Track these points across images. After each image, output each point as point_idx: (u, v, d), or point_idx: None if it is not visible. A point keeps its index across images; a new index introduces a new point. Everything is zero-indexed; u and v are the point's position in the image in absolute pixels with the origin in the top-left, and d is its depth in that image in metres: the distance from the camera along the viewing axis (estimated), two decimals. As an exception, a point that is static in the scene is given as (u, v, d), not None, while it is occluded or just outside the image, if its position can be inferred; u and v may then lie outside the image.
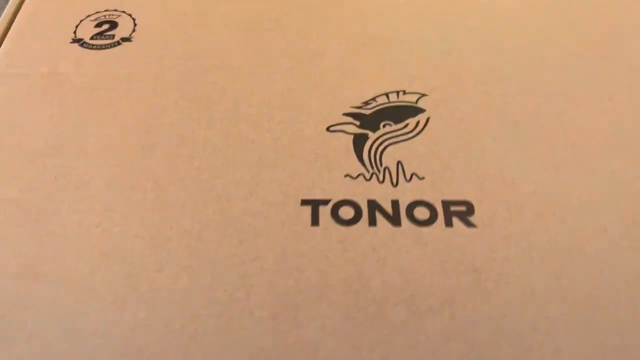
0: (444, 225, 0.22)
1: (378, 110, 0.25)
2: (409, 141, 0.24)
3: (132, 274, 0.20)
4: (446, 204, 0.22)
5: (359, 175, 0.23)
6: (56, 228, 0.21)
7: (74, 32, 0.28)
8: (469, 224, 0.22)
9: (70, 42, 0.28)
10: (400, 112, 0.25)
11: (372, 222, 0.22)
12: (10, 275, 0.20)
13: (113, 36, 0.28)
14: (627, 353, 0.19)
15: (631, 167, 0.23)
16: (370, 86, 0.26)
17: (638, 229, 0.21)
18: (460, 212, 0.22)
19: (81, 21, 0.29)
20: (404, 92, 0.26)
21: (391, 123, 0.25)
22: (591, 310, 0.19)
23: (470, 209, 0.22)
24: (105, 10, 0.29)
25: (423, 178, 0.23)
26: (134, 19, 0.29)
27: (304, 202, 0.22)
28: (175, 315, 0.19)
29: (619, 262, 0.21)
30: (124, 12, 0.29)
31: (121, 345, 0.19)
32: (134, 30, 0.29)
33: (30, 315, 0.19)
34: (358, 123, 0.25)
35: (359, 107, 0.25)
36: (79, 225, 0.21)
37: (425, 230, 0.22)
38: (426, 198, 0.22)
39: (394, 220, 0.22)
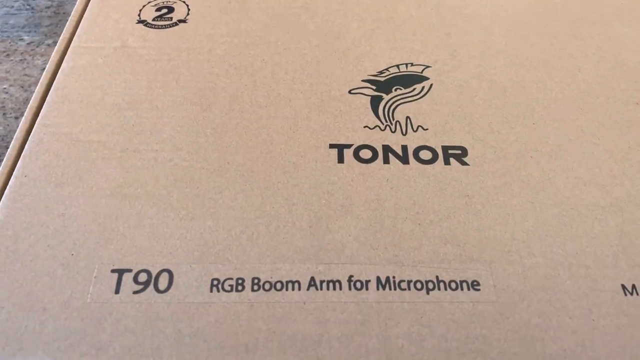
0: (443, 164, 0.27)
1: (390, 77, 0.31)
2: (416, 101, 0.30)
3: (200, 194, 0.26)
4: (445, 148, 0.28)
5: (375, 126, 0.29)
6: (137, 162, 0.27)
7: (139, 15, 0.34)
8: (463, 163, 0.27)
9: (136, 23, 0.34)
10: (409, 79, 0.31)
11: (386, 161, 0.27)
12: (104, 194, 0.26)
13: (171, 18, 0.34)
14: (585, 257, 0.24)
15: (594, 123, 0.29)
16: (384, 59, 0.32)
17: (596, 167, 0.27)
18: (456, 154, 0.28)
19: (144, 6, 0.35)
20: (412, 64, 0.32)
21: (401, 88, 0.31)
22: (557, 226, 0.25)
23: (464, 152, 0.28)
24: (163, -2, 0.35)
25: (427, 129, 0.29)
26: (187, 5, 0.35)
27: (332, 146, 0.28)
28: (235, 223, 0.25)
29: (581, 192, 0.26)
30: (178, -1, 0.35)
31: (193, 244, 0.24)
32: (188, 14, 0.34)
33: (122, 223, 0.25)
34: (374, 87, 0.31)
35: (375, 75, 0.31)
36: (155, 160, 0.27)
37: (428, 167, 0.27)
38: (429, 144, 0.28)
39: (403, 159, 0.27)
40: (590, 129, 0.29)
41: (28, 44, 0.42)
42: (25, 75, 0.40)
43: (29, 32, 0.43)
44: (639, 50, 0.33)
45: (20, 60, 0.41)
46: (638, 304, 0.23)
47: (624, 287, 0.23)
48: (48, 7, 0.45)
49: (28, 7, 0.45)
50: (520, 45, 0.33)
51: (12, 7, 0.45)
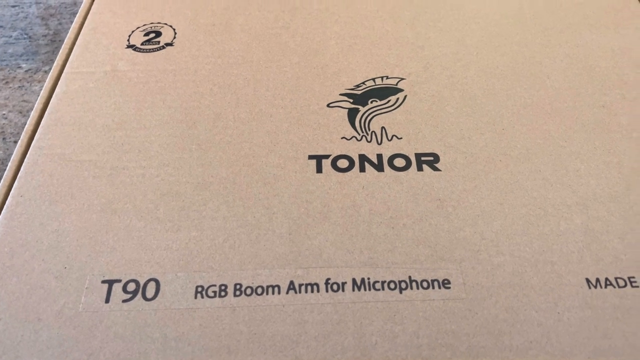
0: (416, 170, 0.29)
1: (367, 90, 0.33)
2: (391, 112, 0.31)
3: (185, 207, 0.27)
4: (418, 155, 0.29)
5: (352, 137, 0.30)
6: (125, 178, 0.29)
7: (128, 40, 0.36)
8: (435, 169, 0.29)
9: (125, 48, 0.36)
10: (384, 92, 0.33)
11: (362, 169, 0.29)
12: (95, 210, 0.27)
13: (159, 42, 0.36)
14: (551, 253, 0.25)
15: (561, 126, 0.30)
16: (361, 73, 0.34)
17: (563, 168, 0.28)
18: (428, 160, 0.29)
19: (133, 32, 0.37)
20: (387, 77, 0.33)
21: (377, 100, 0.32)
22: (525, 225, 0.26)
23: (436, 158, 0.29)
24: (151, 23, 0.37)
25: (401, 138, 0.30)
26: (174, 29, 0.37)
27: (311, 157, 0.29)
28: (218, 233, 0.26)
29: (548, 192, 0.27)
30: (166, 24, 0.37)
31: (178, 254, 0.26)
32: (174, 38, 0.36)
33: (112, 236, 0.26)
34: (351, 100, 0.32)
35: (352, 89, 0.33)
36: (143, 176, 0.29)
37: (402, 174, 0.29)
38: (403, 152, 0.29)
39: (379, 167, 0.29)
40: (557, 132, 0.30)
41: (26, 71, 0.44)
42: (24, 101, 0.42)
43: (27, 60, 0.45)
44: (606, 56, 0.34)
45: (19, 87, 0.43)
46: (601, 296, 0.24)
47: (588, 280, 0.24)
48: (45, 36, 0.47)
49: (26, 36, 0.47)
50: (491, 55, 0.34)
51: (11, 36, 0.47)
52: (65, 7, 0.50)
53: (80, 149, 0.30)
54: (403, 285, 0.24)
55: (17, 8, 0.50)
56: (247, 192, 0.28)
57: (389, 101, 0.32)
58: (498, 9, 0.38)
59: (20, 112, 0.41)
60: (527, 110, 0.31)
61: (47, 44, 0.47)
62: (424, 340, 0.23)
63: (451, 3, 0.38)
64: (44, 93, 0.33)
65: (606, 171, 0.28)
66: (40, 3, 0.50)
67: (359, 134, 0.30)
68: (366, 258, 0.25)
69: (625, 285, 0.24)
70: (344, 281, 0.25)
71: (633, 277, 0.24)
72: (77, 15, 0.38)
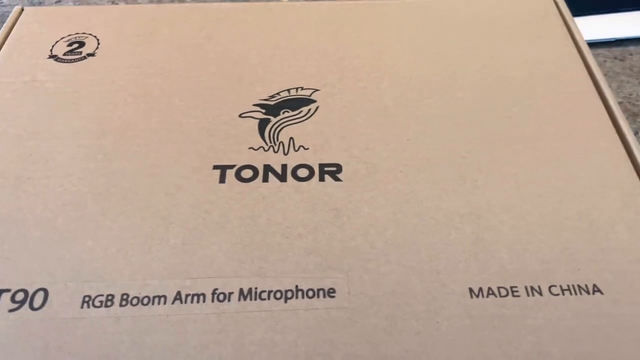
0: (318, 180, 0.29)
1: (280, 101, 0.33)
2: (301, 123, 0.32)
3: (83, 217, 0.27)
4: (322, 166, 0.30)
5: (259, 147, 0.31)
6: (29, 188, 0.29)
7: (50, 50, 0.36)
8: (337, 179, 0.29)
9: (47, 58, 0.36)
10: (297, 102, 0.33)
11: (265, 179, 0.29)
12: (-6, 220, 0.27)
13: (81, 52, 0.36)
14: (437, 262, 0.26)
15: (466, 137, 0.31)
16: (277, 84, 0.34)
17: (461, 179, 0.29)
18: (331, 171, 0.29)
19: (57, 42, 0.37)
20: (302, 88, 0.34)
21: (289, 110, 0.32)
22: (415, 235, 0.27)
23: (339, 168, 0.29)
24: (76, 34, 0.38)
25: (308, 148, 0.30)
26: (98, 40, 0.37)
27: (215, 167, 0.30)
28: (112, 243, 0.26)
29: (442, 202, 0.28)
30: (90, 34, 0.37)
31: (70, 264, 0.26)
32: (97, 48, 0.36)
33: (7, 246, 0.26)
34: (264, 111, 0.33)
35: (266, 100, 0.33)
36: (46, 186, 0.29)
37: (304, 184, 0.29)
38: (307, 162, 0.30)
39: (282, 178, 0.29)
40: (461, 143, 0.31)
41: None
42: (-45, 110, 0.42)
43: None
44: (521, 67, 0.35)
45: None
46: (482, 305, 0.24)
47: (471, 290, 0.25)
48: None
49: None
50: (406, 67, 0.35)
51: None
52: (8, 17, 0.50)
53: (-13, 159, 0.30)
54: (289, 294, 0.25)
55: (-41, 17, 0.50)
56: (147, 202, 0.28)
57: (300, 112, 0.32)
58: (421, 22, 0.38)
59: (-50, 121, 0.41)
60: (434, 122, 0.32)
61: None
62: (301, 349, 0.23)
63: (376, 17, 0.39)
64: (-41, 103, 0.33)
65: (504, 182, 0.29)
66: (-18, 12, 0.50)
67: (267, 145, 0.31)
68: (256, 268, 0.26)
69: (507, 294, 0.25)
70: (231, 291, 0.25)
71: (515, 287, 0.25)
72: (4, 26, 0.38)
